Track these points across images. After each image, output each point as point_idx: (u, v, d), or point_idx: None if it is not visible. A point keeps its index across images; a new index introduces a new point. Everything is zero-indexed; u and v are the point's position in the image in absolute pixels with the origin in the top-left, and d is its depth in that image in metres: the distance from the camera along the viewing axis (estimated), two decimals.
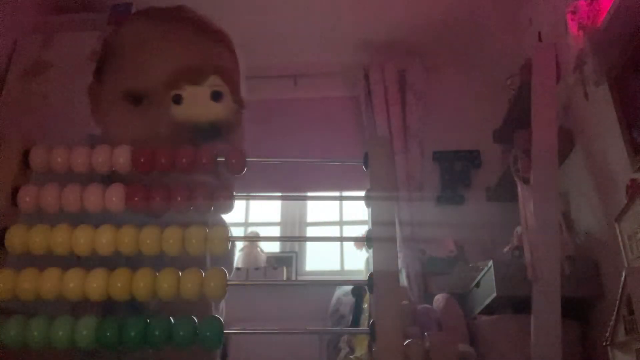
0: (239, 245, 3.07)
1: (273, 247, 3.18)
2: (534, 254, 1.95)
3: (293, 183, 3.05)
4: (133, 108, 0.65)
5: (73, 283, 0.45)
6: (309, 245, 3.26)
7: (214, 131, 0.59)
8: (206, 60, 0.65)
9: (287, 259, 3.06)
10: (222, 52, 0.71)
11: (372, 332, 0.44)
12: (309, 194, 3.42)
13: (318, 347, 2.65)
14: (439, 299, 2.50)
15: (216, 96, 0.58)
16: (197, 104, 0.58)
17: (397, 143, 3.05)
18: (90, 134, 0.76)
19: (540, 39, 2.43)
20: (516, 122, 2.46)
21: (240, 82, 0.76)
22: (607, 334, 1.57)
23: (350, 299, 2.49)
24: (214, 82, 0.59)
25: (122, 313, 0.47)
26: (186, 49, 0.67)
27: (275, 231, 3.32)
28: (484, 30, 2.99)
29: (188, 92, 0.58)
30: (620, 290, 1.51)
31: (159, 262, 0.50)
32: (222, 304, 0.81)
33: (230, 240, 0.49)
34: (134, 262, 0.50)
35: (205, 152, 0.51)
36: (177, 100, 0.58)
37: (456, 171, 3.12)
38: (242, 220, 3.35)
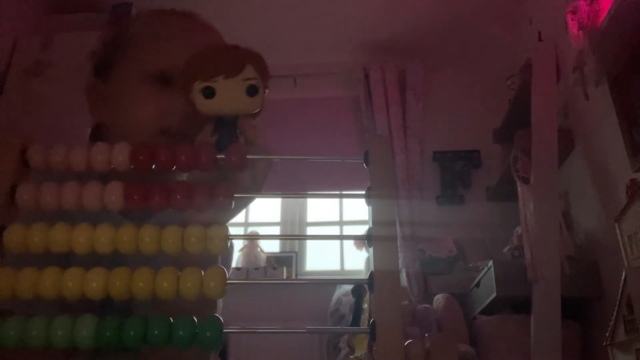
0: (239, 244, 3.07)
1: (273, 247, 3.17)
2: (534, 254, 1.95)
3: (293, 182, 3.05)
4: (161, 87, 0.68)
5: (72, 282, 0.45)
6: (309, 245, 3.26)
7: (235, 121, 0.54)
8: (239, 48, 0.58)
9: (287, 259, 3.06)
10: None
11: (372, 332, 0.44)
12: (309, 192, 3.42)
13: (318, 347, 2.65)
14: (439, 299, 2.50)
15: (252, 91, 0.52)
16: (232, 99, 0.52)
17: (397, 143, 3.05)
18: (93, 129, 0.77)
19: (540, 39, 2.43)
20: (516, 122, 2.46)
21: None
22: (607, 334, 1.57)
23: (350, 299, 2.49)
24: (249, 74, 0.52)
25: (111, 313, 0.47)
26: (203, 41, 0.69)
27: (275, 231, 3.32)
28: (484, 31, 2.99)
29: (220, 85, 0.51)
30: (620, 290, 1.51)
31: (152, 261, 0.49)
32: (220, 302, 0.80)
33: (229, 239, 0.49)
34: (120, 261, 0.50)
35: (205, 150, 0.51)
36: (209, 94, 0.51)
37: (456, 171, 3.12)
38: (242, 219, 3.35)
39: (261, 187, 0.61)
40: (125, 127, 0.72)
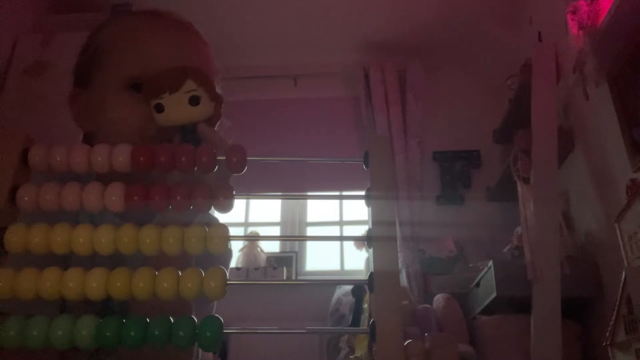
0: (239, 245, 3.07)
1: (273, 247, 3.17)
2: (534, 254, 1.95)
3: (293, 183, 3.05)
4: (137, 94, 0.67)
5: (72, 283, 0.45)
6: (309, 245, 3.26)
7: (195, 130, 0.63)
8: (182, 62, 0.66)
9: (287, 259, 3.06)
10: (200, 46, 0.74)
11: (372, 332, 0.44)
12: (309, 193, 3.42)
13: (318, 347, 2.65)
14: (439, 299, 2.49)
15: (193, 101, 0.61)
16: (177, 111, 0.61)
17: (397, 143, 3.05)
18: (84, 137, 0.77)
19: (540, 39, 2.43)
20: (516, 122, 2.46)
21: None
22: (607, 334, 1.57)
23: (350, 299, 2.48)
24: (189, 87, 0.62)
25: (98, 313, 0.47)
26: (170, 44, 0.70)
27: (275, 231, 3.32)
28: (484, 31, 2.99)
29: (167, 100, 0.61)
30: (620, 290, 1.51)
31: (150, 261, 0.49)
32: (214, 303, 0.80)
33: (230, 240, 0.49)
34: (115, 261, 0.49)
35: (206, 151, 0.51)
36: (159, 109, 0.61)
37: (456, 171, 3.12)
38: (242, 220, 3.35)
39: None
40: (110, 140, 0.70)
